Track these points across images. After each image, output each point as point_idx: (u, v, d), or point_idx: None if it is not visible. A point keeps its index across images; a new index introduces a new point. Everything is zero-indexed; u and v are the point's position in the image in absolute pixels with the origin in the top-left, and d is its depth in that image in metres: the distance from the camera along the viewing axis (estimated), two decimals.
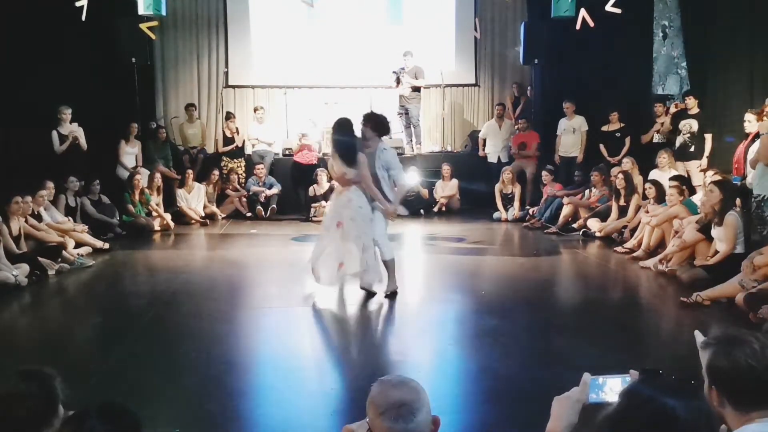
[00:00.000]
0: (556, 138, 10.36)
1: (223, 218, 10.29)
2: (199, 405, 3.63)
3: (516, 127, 10.95)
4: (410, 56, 10.87)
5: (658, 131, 9.33)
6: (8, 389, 1.84)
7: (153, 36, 9.89)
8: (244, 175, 10.83)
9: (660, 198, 7.48)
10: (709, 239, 6.17)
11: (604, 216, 8.52)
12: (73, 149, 8.81)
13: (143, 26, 9.19)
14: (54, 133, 8.76)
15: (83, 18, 8.41)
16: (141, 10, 8.91)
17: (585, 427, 1.83)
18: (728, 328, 2.13)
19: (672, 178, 7.47)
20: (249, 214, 10.32)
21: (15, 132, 8.43)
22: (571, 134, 10.25)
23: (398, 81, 10.88)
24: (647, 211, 7.48)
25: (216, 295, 6.10)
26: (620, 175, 8.35)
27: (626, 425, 1.52)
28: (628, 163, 8.78)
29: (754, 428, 1.72)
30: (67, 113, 8.82)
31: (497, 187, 10.24)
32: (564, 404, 1.86)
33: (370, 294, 5.64)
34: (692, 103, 8.65)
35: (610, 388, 1.84)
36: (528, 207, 10.05)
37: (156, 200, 9.55)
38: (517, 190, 10.18)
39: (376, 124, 5.60)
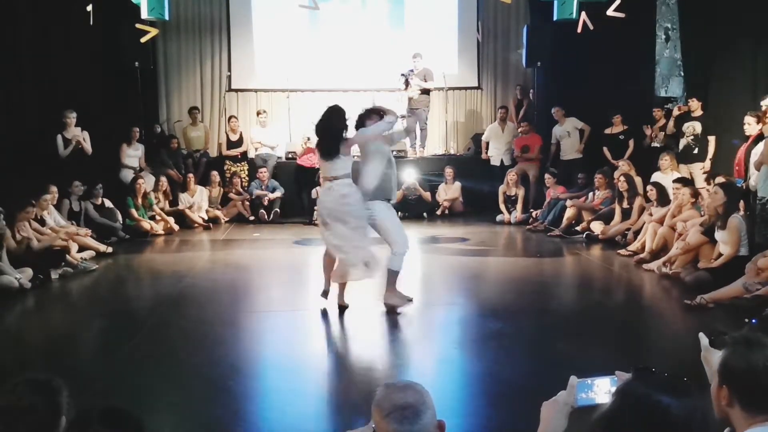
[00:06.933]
0: (551, 146, 10.36)
1: (226, 222, 10.29)
2: (202, 409, 3.63)
3: (519, 130, 10.93)
4: (420, 58, 10.72)
5: (655, 136, 9.32)
6: (12, 401, 1.81)
7: (148, 30, 9.76)
8: (247, 178, 10.83)
9: (663, 200, 7.46)
10: (713, 242, 6.15)
11: (607, 218, 8.49)
12: (76, 153, 8.83)
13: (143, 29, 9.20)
14: (58, 137, 8.77)
15: (90, 23, 8.43)
16: (144, 15, 8.94)
17: (575, 429, 1.83)
18: (747, 330, 2.13)
19: (676, 180, 7.46)
20: (252, 218, 10.32)
21: (19, 136, 8.44)
22: (567, 138, 10.24)
23: (407, 83, 10.76)
24: (651, 214, 7.47)
25: (219, 298, 6.11)
26: (622, 178, 8.33)
27: (621, 424, 1.52)
28: (624, 166, 8.77)
29: (758, 431, 1.72)
30: (72, 117, 8.82)
31: (500, 189, 10.24)
32: (552, 408, 1.86)
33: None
34: (695, 105, 8.63)
35: (599, 389, 1.83)
36: (531, 210, 10.04)
37: (163, 204, 9.57)
38: (520, 192, 10.17)
39: (380, 114, 5.62)
